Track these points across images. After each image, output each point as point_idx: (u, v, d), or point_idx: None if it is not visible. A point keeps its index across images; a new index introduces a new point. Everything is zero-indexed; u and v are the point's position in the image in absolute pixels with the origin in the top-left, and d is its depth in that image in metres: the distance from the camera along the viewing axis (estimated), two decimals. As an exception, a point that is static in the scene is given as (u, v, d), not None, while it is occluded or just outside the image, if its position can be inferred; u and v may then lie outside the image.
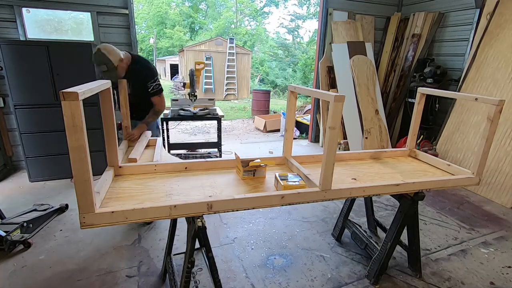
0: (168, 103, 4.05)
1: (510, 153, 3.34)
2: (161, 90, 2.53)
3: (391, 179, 1.79)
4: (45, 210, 2.74)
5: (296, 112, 4.13)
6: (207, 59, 12.52)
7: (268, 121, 6.81)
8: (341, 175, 1.80)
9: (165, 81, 18.79)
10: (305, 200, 1.46)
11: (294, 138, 5.03)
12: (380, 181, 1.72)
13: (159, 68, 22.12)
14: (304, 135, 6.13)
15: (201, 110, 3.81)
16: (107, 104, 1.47)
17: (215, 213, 1.34)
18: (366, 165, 2.01)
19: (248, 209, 1.37)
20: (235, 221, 2.83)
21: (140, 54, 3.31)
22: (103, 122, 1.49)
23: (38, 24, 3.76)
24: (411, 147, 2.24)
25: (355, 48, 4.84)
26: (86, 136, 1.06)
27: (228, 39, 13.05)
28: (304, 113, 7.62)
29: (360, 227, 2.43)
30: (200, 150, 4.60)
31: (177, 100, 3.91)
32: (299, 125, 6.26)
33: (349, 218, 2.50)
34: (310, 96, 8.13)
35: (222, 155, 4.43)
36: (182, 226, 2.55)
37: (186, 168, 1.75)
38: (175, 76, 16.12)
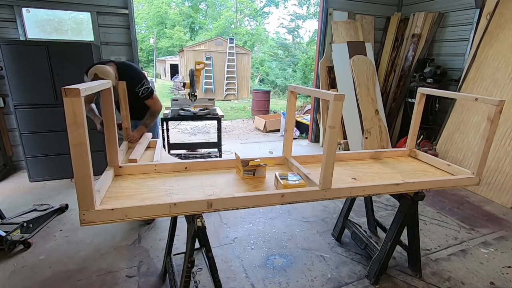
0: (168, 103, 4.06)
1: (510, 153, 3.34)
2: (152, 92, 2.48)
3: (391, 179, 1.79)
4: (45, 210, 2.74)
5: (296, 112, 4.13)
6: (207, 59, 12.53)
7: (268, 121, 6.81)
8: (341, 175, 1.80)
9: (165, 81, 18.79)
10: (305, 199, 1.46)
11: (294, 138, 5.02)
12: (380, 181, 1.72)
13: (159, 68, 22.12)
14: (304, 135, 6.13)
15: (201, 110, 3.81)
16: (107, 104, 1.47)
17: (215, 211, 1.34)
18: (366, 165, 2.01)
19: (248, 207, 1.37)
20: (235, 221, 2.83)
21: (140, 53, 3.27)
22: (103, 122, 1.49)
23: (38, 24, 3.76)
24: (411, 147, 2.24)
25: (355, 48, 4.84)
26: (87, 132, 1.06)
27: (228, 39, 13.05)
28: (304, 113, 7.62)
29: (360, 227, 2.43)
30: (200, 150, 4.60)
31: (177, 100, 3.91)
32: (299, 125, 6.26)
33: (349, 218, 2.50)
34: (310, 96, 8.13)
35: (222, 155, 4.43)
36: (182, 226, 2.55)
37: (186, 168, 1.75)
38: (175, 76, 16.13)
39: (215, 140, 4.22)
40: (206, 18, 20.01)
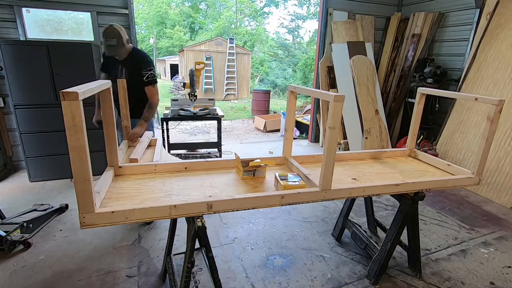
0: (168, 103, 4.05)
1: (510, 153, 3.34)
2: (155, 81, 2.52)
3: (391, 179, 1.79)
4: (45, 210, 2.74)
5: (296, 112, 4.13)
6: (207, 59, 12.52)
7: (268, 121, 6.81)
8: (341, 175, 1.80)
9: (165, 81, 18.78)
10: (305, 200, 1.46)
11: (294, 138, 5.02)
12: (380, 181, 1.72)
13: (159, 68, 22.12)
14: (304, 135, 6.13)
15: (201, 110, 3.81)
16: (107, 104, 1.47)
17: (215, 213, 1.34)
18: (366, 165, 2.01)
19: (248, 209, 1.37)
20: (235, 221, 2.83)
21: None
22: (103, 122, 1.49)
23: (38, 24, 3.76)
24: (411, 147, 2.24)
25: (355, 48, 4.84)
26: (86, 136, 1.06)
27: (228, 39, 13.04)
28: (304, 113, 7.62)
29: (360, 227, 2.43)
30: (200, 150, 4.61)
31: (177, 100, 3.91)
32: (299, 125, 6.26)
33: (349, 218, 2.50)
34: (310, 96, 8.13)
35: (222, 155, 4.43)
36: (182, 226, 2.55)
37: (186, 168, 1.75)
38: (175, 76, 16.12)
39: (215, 140, 4.22)
40: (206, 18, 20.00)
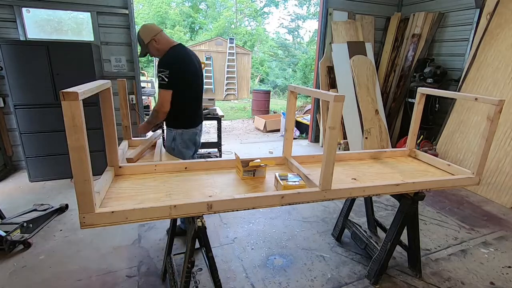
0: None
1: (510, 153, 3.34)
2: (161, 85, 2.11)
3: (391, 179, 1.79)
4: (45, 210, 2.74)
5: (296, 112, 4.13)
6: (207, 59, 12.51)
7: (268, 121, 6.81)
8: (341, 175, 1.80)
9: (165, 81, 18.60)
10: (305, 200, 1.46)
11: (294, 138, 5.02)
12: (380, 181, 1.72)
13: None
14: (304, 135, 6.13)
15: (201, 110, 3.80)
16: (107, 104, 1.47)
17: (215, 213, 1.34)
18: (366, 165, 2.01)
19: (248, 209, 1.37)
20: (235, 221, 2.83)
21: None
22: (103, 122, 1.49)
23: (38, 24, 3.76)
24: (411, 147, 2.24)
25: (355, 48, 4.84)
26: (86, 136, 1.06)
27: (228, 39, 13.03)
28: (304, 113, 7.62)
29: (360, 227, 2.43)
30: (200, 150, 4.60)
31: (177, 100, 3.90)
32: (299, 125, 6.26)
33: (349, 218, 2.50)
34: (310, 96, 8.13)
35: (222, 155, 4.43)
36: (182, 226, 2.55)
37: (186, 168, 1.75)
38: (175, 76, 16.04)
39: (215, 140, 4.22)
40: (206, 18, 19.98)
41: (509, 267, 2.31)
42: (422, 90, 2.09)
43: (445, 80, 4.49)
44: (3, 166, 3.74)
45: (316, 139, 5.65)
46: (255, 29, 19.96)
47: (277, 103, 11.97)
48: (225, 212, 1.35)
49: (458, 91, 4.06)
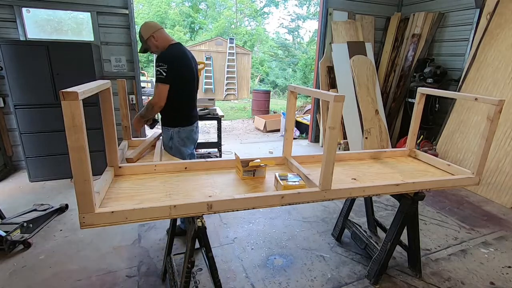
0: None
1: (510, 153, 3.34)
2: (159, 79, 2.08)
3: (391, 179, 1.79)
4: (45, 210, 2.74)
5: (296, 112, 4.13)
6: (207, 59, 12.51)
7: (268, 121, 6.81)
8: (341, 175, 1.80)
9: (165, 81, 18.59)
10: (305, 200, 1.46)
11: (294, 138, 5.02)
12: (380, 181, 1.72)
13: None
14: (304, 135, 6.13)
15: (201, 110, 3.81)
16: (107, 104, 1.47)
17: (215, 213, 1.34)
18: (366, 165, 2.01)
19: (248, 209, 1.37)
20: (235, 221, 2.83)
21: (139, 54, 3.12)
22: (103, 122, 1.49)
23: (38, 24, 3.76)
24: (411, 147, 2.24)
25: (355, 48, 4.84)
26: (86, 136, 1.06)
27: (228, 39, 13.03)
28: (304, 113, 7.62)
29: (360, 227, 2.43)
30: (200, 150, 4.61)
31: (177, 100, 3.90)
32: (299, 125, 6.26)
33: (349, 218, 2.50)
34: (310, 96, 8.13)
35: (222, 155, 4.43)
36: (182, 226, 2.55)
37: (186, 168, 1.75)
38: (175, 76, 16.02)
39: (215, 140, 4.22)
40: (206, 18, 19.96)
41: (509, 267, 2.31)
42: (422, 90, 2.09)
43: (445, 80, 4.48)
44: (3, 166, 3.74)
45: (316, 139, 5.65)
46: (255, 29, 19.96)
47: (277, 103, 11.97)
48: (225, 212, 1.35)
49: (458, 91, 4.06)
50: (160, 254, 2.32)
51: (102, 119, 1.49)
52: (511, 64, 3.56)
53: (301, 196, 1.44)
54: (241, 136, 6.43)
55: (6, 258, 2.22)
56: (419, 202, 1.94)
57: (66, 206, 2.92)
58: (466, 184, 1.84)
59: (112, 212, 1.17)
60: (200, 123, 7.66)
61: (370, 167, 1.98)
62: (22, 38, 3.54)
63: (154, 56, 2.50)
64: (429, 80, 4.38)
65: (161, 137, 2.39)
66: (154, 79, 2.27)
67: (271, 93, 10.60)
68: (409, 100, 4.70)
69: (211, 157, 4.19)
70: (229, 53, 12.90)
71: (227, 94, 13.21)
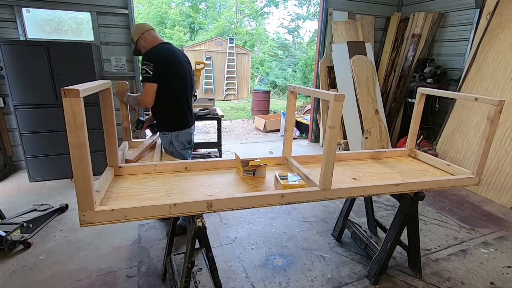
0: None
1: (510, 153, 3.34)
2: (144, 78, 2.02)
3: (391, 179, 1.79)
4: (45, 210, 2.74)
5: (296, 112, 4.13)
6: (207, 59, 12.50)
7: (268, 121, 6.81)
8: (341, 175, 1.80)
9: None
10: (305, 200, 1.46)
11: (294, 138, 5.03)
12: (380, 181, 1.72)
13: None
14: (304, 135, 6.13)
15: (201, 110, 3.81)
16: (107, 104, 1.47)
17: (214, 212, 1.34)
18: (366, 165, 2.01)
19: (248, 208, 1.37)
20: (235, 221, 2.83)
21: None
22: (103, 122, 1.49)
23: (38, 24, 3.76)
24: (411, 147, 2.24)
25: (355, 48, 4.84)
26: (87, 133, 1.06)
27: (228, 39, 13.03)
28: (304, 113, 7.62)
29: (360, 227, 2.43)
30: (200, 150, 4.60)
31: (177, 100, 3.90)
32: (299, 125, 6.26)
33: (349, 218, 2.50)
34: (310, 96, 8.13)
35: (222, 155, 4.43)
36: (182, 226, 2.55)
37: (186, 168, 1.75)
38: (175, 76, 16.00)
39: (215, 140, 4.22)
40: (206, 18, 19.96)
41: (509, 267, 2.31)
42: (422, 90, 2.09)
43: (445, 80, 4.49)
44: (3, 166, 3.74)
45: (316, 139, 5.65)
46: (255, 29, 19.95)
47: (277, 103, 11.97)
48: (225, 211, 1.35)
49: (458, 91, 4.06)
50: (160, 254, 2.32)
51: (102, 119, 1.49)
52: (511, 64, 3.56)
53: (301, 196, 1.44)
54: (241, 136, 6.43)
55: (6, 258, 2.22)
56: (419, 202, 1.94)
57: (66, 206, 2.92)
58: (466, 184, 1.84)
59: (112, 210, 1.17)
60: (200, 123, 7.69)
61: (370, 167, 1.98)
62: (22, 38, 3.54)
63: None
64: (429, 80, 4.38)
65: (159, 139, 2.38)
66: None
67: (271, 93, 10.60)
68: (409, 100, 4.70)
69: (211, 157, 4.19)
70: (229, 53, 12.90)
71: (227, 94, 13.21)
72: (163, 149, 2.29)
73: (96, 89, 1.23)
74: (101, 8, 3.73)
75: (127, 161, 1.84)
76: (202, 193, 1.47)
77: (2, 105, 3.65)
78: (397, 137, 5.08)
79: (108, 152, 1.56)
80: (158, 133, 2.40)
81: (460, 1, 4.37)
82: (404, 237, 2.08)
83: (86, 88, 1.07)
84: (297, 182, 1.53)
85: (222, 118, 3.98)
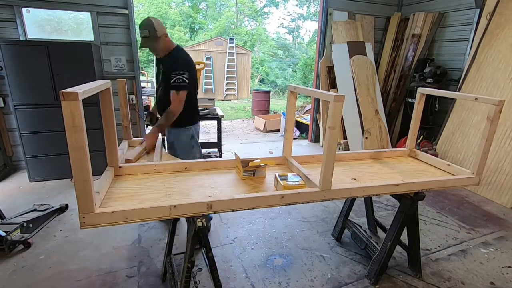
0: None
1: (510, 153, 3.34)
2: (182, 87, 2.18)
3: (391, 179, 1.79)
4: (45, 210, 2.74)
5: (296, 112, 4.13)
6: (207, 59, 12.50)
7: (268, 121, 6.81)
8: (341, 175, 1.80)
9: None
10: (305, 200, 1.46)
11: (294, 138, 5.02)
12: (380, 181, 1.72)
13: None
14: (304, 135, 6.13)
15: (201, 110, 3.80)
16: (107, 104, 1.47)
17: (214, 213, 1.34)
18: (366, 165, 2.01)
19: (248, 209, 1.37)
20: (235, 221, 2.83)
21: (140, 53, 3.17)
22: (103, 122, 1.49)
23: (38, 24, 3.76)
24: (411, 147, 2.24)
25: (355, 48, 4.84)
26: (86, 136, 1.06)
27: (228, 39, 13.02)
28: (304, 113, 7.62)
29: (360, 227, 2.43)
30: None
31: (177, 100, 3.90)
32: (299, 125, 6.26)
33: (349, 218, 2.50)
34: (310, 96, 8.12)
35: (222, 155, 4.43)
36: (182, 226, 2.56)
37: (186, 168, 1.75)
38: (175, 76, 15.98)
39: (215, 140, 4.22)
40: (206, 18, 19.96)
41: (509, 267, 2.31)
42: (422, 90, 2.09)
43: (445, 80, 4.49)
44: (3, 166, 3.74)
45: (316, 139, 5.65)
46: (255, 29, 19.95)
47: (277, 103, 11.97)
48: (225, 212, 1.35)
49: (458, 91, 4.06)
50: (160, 254, 2.32)
51: (102, 119, 1.49)
52: (511, 64, 3.56)
53: (301, 196, 1.44)
54: (241, 136, 6.43)
55: (6, 258, 2.22)
56: (419, 202, 1.94)
57: (66, 206, 2.92)
58: (466, 184, 1.84)
59: (112, 212, 1.17)
60: (200, 123, 7.65)
61: (370, 167, 1.98)
62: (22, 38, 3.54)
63: (154, 57, 2.54)
64: (429, 80, 4.38)
65: (159, 137, 2.37)
66: (153, 79, 2.27)
67: (271, 93, 10.60)
68: (409, 100, 4.70)
69: (211, 157, 4.19)
70: (229, 53, 12.90)
71: (227, 94, 13.21)
72: (163, 149, 2.29)
73: (95, 91, 1.23)
74: (101, 8, 3.73)
75: (127, 160, 1.84)
76: (202, 194, 1.47)
77: (2, 105, 3.65)
78: (397, 137, 5.08)
79: (108, 152, 1.56)
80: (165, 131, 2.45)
81: (460, 1, 4.37)
82: (404, 237, 2.08)
83: (85, 90, 1.07)
84: (297, 183, 1.53)
85: (222, 118, 3.98)
